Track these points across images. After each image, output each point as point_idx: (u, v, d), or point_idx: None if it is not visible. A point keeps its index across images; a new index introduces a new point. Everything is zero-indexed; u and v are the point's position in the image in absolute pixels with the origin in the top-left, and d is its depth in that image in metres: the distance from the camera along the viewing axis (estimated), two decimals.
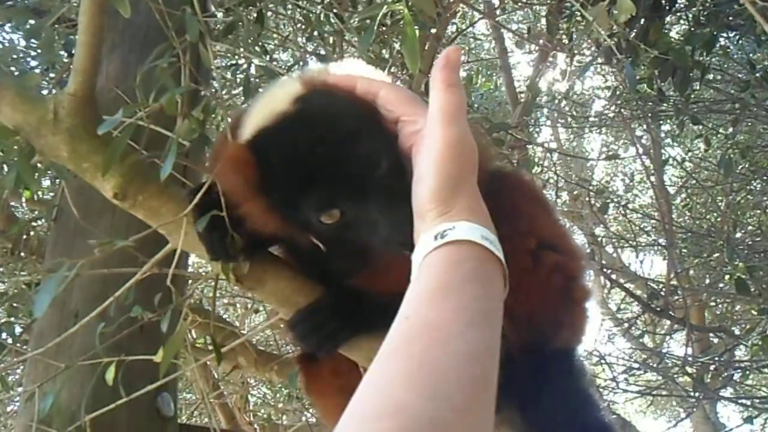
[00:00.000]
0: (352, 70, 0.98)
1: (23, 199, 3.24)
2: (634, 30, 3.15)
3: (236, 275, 1.17)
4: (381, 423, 0.58)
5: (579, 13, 3.04)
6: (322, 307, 1.15)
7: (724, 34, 3.71)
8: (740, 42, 3.34)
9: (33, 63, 2.71)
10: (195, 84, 1.38)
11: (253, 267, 1.18)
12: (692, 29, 3.57)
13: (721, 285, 5.85)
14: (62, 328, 1.89)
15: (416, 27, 1.23)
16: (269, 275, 1.19)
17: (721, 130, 5.25)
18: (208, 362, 3.59)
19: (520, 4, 4.69)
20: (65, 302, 2.08)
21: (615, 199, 6.62)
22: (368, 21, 1.56)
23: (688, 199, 6.29)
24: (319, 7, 3.33)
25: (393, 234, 0.86)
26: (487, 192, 0.81)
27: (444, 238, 0.72)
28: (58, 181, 2.48)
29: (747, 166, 4.94)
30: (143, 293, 1.58)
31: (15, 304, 2.81)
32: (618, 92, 4.56)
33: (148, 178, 1.19)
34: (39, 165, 1.67)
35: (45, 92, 2.68)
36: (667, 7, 3.40)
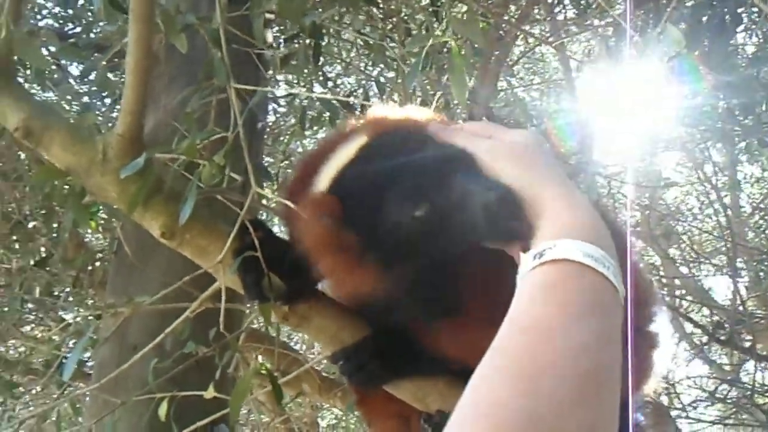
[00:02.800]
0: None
1: (88, 230, 3.31)
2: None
3: (279, 314, 1.16)
4: (477, 422, 0.57)
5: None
6: (364, 348, 1.14)
7: None
8: None
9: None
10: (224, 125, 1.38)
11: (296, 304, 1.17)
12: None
13: None
14: (122, 360, 1.90)
15: (475, 56, 1.22)
16: (314, 312, 1.17)
17: None
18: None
19: (583, 27, 4.61)
20: (124, 335, 2.09)
21: (685, 221, 6.45)
22: (420, 51, 1.55)
23: (761, 220, 6.09)
24: (379, 33, 3.34)
25: (485, 200, 0.78)
26: None
27: (542, 258, 0.68)
28: None
29: None
30: (200, 326, 1.58)
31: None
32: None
33: (195, 216, 1.18)
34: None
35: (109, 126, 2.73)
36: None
